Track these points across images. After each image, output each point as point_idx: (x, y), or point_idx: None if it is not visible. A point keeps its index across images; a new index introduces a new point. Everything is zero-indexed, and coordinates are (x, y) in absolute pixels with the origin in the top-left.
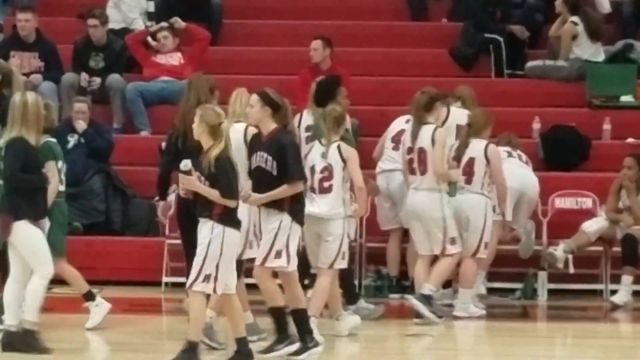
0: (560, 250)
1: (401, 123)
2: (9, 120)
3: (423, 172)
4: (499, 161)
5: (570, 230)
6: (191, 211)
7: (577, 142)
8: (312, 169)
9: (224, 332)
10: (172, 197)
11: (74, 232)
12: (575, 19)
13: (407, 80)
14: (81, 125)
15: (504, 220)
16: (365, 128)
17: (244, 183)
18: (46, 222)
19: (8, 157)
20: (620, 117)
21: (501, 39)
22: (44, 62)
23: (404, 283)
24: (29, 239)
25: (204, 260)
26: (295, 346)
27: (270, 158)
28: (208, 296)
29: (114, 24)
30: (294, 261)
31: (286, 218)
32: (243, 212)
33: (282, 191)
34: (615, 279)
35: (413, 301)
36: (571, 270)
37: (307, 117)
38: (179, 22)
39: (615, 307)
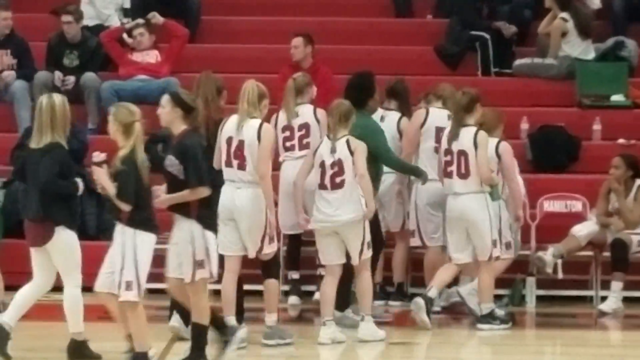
0: (549, 255)
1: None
2: (37, 124)
3: (465, 175)
4: (511, 159)
5: (559, 234)
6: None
7: (567, 143)
8: (322, 164)
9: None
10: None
11: None
12: (565, 15)
13: (391, 79)
14: None
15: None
16: None
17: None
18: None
19: (46, 163)
20: (611, 117)
21: (488, 36)
22: (17, 60)
23: (388, 289)
24: (67, 246)
25: (121, 268)
26: None
27: (177, 162)
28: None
29: (88, 21)
30: (216, 269)
31: (196, 227)
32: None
33: (183, 196)
34: (606, 285)
35: (418, 301)
36: (560, 275)
37: (282, 117)
38: (157, 18)
39: (603, 314)
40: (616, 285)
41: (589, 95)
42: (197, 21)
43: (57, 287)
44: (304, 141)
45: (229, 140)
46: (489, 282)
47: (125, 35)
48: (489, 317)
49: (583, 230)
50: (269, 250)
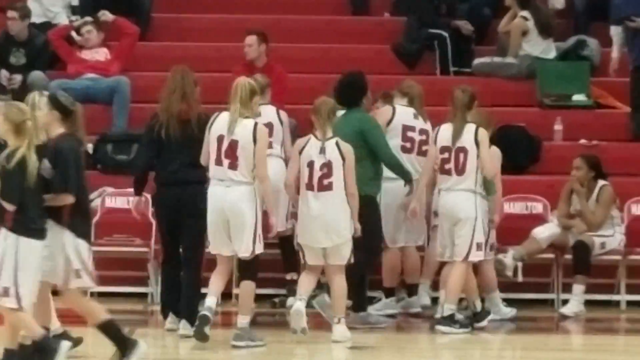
0: (509, 258)
1: None
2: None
3: (461, 172)
4: (497, 161)
5: (519, 236)
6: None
7: (527, 144)
8: (310, 165)
9: None
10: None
11: None
12: (525, 13)
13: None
14: None
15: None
16: (305, 129)
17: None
18: None
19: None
20: (572, 117)
21: (446, 35)
22: None
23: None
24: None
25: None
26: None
27: (49, 166)
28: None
29: (35, 18)
30: (93, 277)
31: (68, 236)
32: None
33: (51, 200)
34: (567, 288)
35: (442, 329)
36: (520, 278)
37: None
38: (106, 15)
39: (565, 318)
40: (578, 288)
41: (550, 95)
42: (147, 18)
43: None
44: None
45: (220, 139)
46: (459, 283)
47: (73, 33)
48: (449, 320)
49: (544, 232)
50: (258, 250)
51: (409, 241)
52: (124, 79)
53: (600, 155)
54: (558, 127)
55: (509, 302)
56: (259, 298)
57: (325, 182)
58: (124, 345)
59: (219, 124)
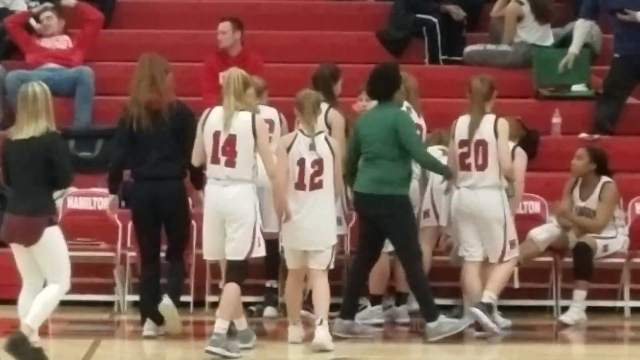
0: None
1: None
2: (30, 112)
3: (482, 167)
4: (523, 162)
5: None
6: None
7: (524, 138)
8: (301, 162)
9: None
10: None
11: None
12: None
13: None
14: None
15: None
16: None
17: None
18: None
19: (59, 152)
20: (571, 109)
21: (436, 20)
22: None
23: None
24: (58, 246)
25: None
26: None
27: None
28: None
29: None
30: None
31: None
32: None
33: None
34: (567, 294)
35: (475, 311)
36: (516, 284)
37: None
38: (68, 0)
39: (564, 326)
40: (579, 294)
41: (548, 85)
42: (112, 3)
43: None
44: None
45: (216, 136)
46: (505, 278)
47: (32, 20)
48: (486, 308)
49: (542, 233)
50: (258, 254)
51: None
52: (87, 69)
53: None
54: (556, 119)
55: (505, 310)
56: None
57: (317, 180)
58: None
59: (213, 119)
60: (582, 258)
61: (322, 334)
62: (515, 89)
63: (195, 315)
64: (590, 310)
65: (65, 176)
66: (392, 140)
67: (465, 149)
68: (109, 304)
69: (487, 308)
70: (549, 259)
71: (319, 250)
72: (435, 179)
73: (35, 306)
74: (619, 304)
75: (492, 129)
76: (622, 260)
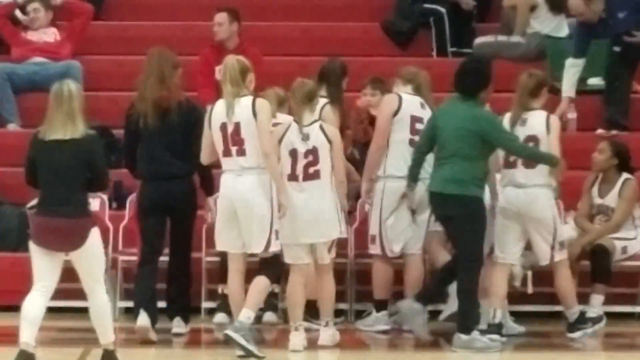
0: (517, 266)
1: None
2: (66, 111)
3: (529, 164)
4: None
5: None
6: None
7: None
8: (294, 153)
9: None
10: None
11: None
12: None
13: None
14: None
15: None
16: None
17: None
18: None
19: (99, 154)
20: (588, 104)
21: (444, 11)
22: None
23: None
24: (101, 249)
25: None
26: None
27: None
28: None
29: None
30: None
31: None
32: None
33: None
34: (584, 299)
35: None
36: (530, 289)
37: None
38: None
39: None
40: (596, 298)
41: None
42: None
43: None
44: None
45: (223, 127)
46: (570, 285)
47: (18, 12)
48: (579, 322)
49: None
50: (275, 247)
51: (412, 248)
52: (75, 63)
53: None
54: (572, 115)
55: (518, 316)
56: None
57: (311, 170)
58: None
59: (218, 112)
60: (599, 261)
61: (328, 333)
62: None
63: (191, 322)
64: (608, 316)
65: (104, 179)
66: (470, 139)
67: None
68: None
69: (579, 321)
70: None
71: (318, 242)
72: None
73: (101, 324)
74: (638, 309)
75: (545, 124)
76: None
